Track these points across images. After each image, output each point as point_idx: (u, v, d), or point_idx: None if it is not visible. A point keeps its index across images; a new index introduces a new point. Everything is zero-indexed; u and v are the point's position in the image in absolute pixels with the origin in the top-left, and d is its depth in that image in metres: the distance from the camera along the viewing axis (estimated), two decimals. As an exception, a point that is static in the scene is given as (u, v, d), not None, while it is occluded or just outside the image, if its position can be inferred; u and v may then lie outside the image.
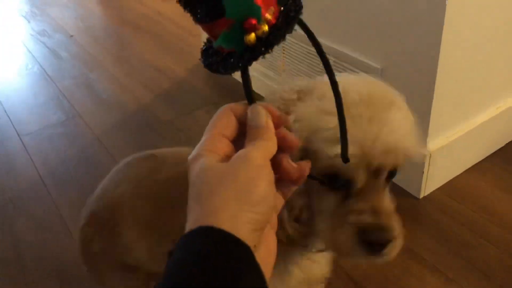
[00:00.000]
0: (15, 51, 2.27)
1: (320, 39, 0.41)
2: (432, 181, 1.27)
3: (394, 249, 0.55)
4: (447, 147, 1.25)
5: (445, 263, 1.10)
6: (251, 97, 0.41)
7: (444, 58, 1.09)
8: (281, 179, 0.41)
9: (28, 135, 1.66)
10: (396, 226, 0.55)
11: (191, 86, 1.91)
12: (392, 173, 0.56)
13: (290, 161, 0.41)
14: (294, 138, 0.41)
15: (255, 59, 0.38)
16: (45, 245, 1.23)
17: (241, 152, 0.37)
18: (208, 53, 0.40)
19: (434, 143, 1.23)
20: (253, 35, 0.37)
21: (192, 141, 1.18)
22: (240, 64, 0.38)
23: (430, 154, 1.21)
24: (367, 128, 0.50)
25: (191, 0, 0.37)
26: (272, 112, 0.41)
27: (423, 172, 1.22)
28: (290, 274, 0.71)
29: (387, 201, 0.56)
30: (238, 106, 0.41)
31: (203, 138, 0.39)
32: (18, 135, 1.66)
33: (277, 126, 0.41)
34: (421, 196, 1.28)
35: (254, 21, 0.37)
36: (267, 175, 0.37)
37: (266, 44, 0.37)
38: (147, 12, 2.59)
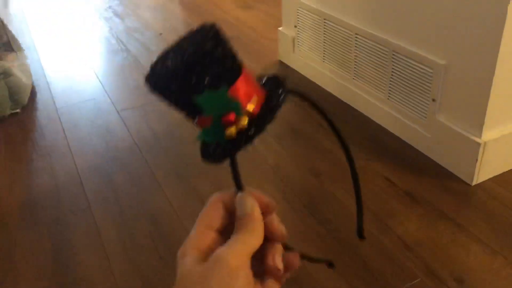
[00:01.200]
0: (112, 44, 2.59)
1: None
2: (485, 170, 1.38)
3: None
4: (502, 140, 1.36)
5: (492, 238, 1.22)
6: (240, 184, 0.41)
7: (503, 54, 1.22)
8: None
9: (124, 110, 1.92)
10: None
11: (265, 81, 2.12)
12: None
13: (275, 258, 0.40)
14: (281, 228, 0.41)
15: (238, 150, 0.38)
16: (138, 194, 1.45)
17: (217, 252, 0.36)
18: (203, 145, 0.40)
19: (489, 134, 1.35)
20: (233, 129, 0.37)
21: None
22: (225, 156, 0.38)
23: (485, 143, 1.33)
24: None
25: (177, 103, 0.38)
26: (260, 199, 0.41)
27: (476, 159, 1.35)
28: None
29: None
30: (226, 195, 0.41)
31: (191, 232, 0.39)
32: (117, 110, 1.93)
33: (264, 213, 0.40)
34: (474, 183, 1.39)
35: (232, 117, 0.36)
36: (242, 279, 0.35)
37: (247, 138, 0.37)
38: (227, 18, 2.85)
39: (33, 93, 2.07)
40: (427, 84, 1.45)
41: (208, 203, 0.41)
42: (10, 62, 1.99)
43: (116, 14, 3.04)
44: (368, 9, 1.63)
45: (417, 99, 1.52)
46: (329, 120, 0.47)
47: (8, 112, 1.89)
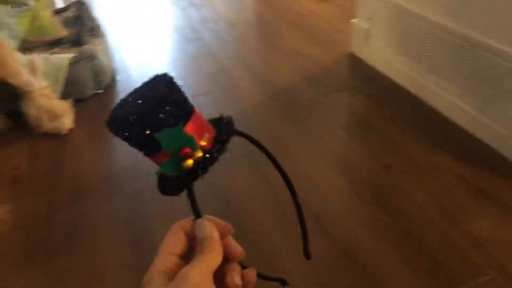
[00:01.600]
0: (187, 33, 2.69)
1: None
2: None
3: None
4: None
5: None
6: (198, 212, 0.45)
7: None
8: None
9: (197, 96, 2.00)
10: None
11: (336, 73, 2.12)
12: None
13: (233, 276, 0.43)
14: (237, 248, 0.45)
15: (195, 180, 0.42)
16: (210, 174, 1.51)
17: (181, 272, 0.39)
18: (161, 179, 0.43)
19: None
20: (190, 161, 0.41)
21: (333, 119, 1.41)
22: (184, 186, 0.43)
23: None
24: None
25: (138, 142, 0.41)
26: (217, 223, 0.45)
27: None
28: None
29: None
30: (186, 223, 0.45)
31: (155, 258, 0.41)
32: (191, 96, 2.00)
33: (222, 236, 0.44)
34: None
35: (187, 150, 0.41)
36: None
37: (202, 167, 0.42)
38: (299, 10, 2.87)
39: (114, 76, 2.20)
40: (506, 79, 1.40)
41: (169, 231, 0.44)
42: (95, 46, 2.13)
43: (192, 4, 3.14)
44: (447, 2, 1.60)
45: (493, 95, 1.47)
46: (272, 158, 0.52)
47: (92, 92, 2.03)
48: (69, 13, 2.45)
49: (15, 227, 1.35)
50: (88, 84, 2.01)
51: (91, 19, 2.40)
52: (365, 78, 2.04)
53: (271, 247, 1.24)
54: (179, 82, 0.41)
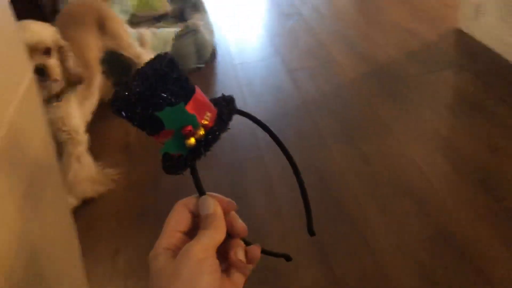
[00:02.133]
0: (285, 8, 2.68)
1: None
2: None
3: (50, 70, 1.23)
4: None
5: None
6: (201, 189, 0.44)
7: None
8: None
9: (294, 71, 2.01)
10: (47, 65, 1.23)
11: (440, 49, 2.01)
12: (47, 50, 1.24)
13: (237, 252, 0.44)
14: (241, 225, 0.45)
15: (198, 158, 0.42)
16: (305, 149, 1.53)
17: (184, 248, 0.40)
18: (165, 159, 0.44)
19: None
20: (192, 139, 0.41)
21: (437, 97, 1.34)
22: (187, 164, 0.42)
23: None
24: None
25: (141, 122, 0.42)
26: (220, 200, 0.44)
27: None
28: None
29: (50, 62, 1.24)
30: (190, 200, 0.44)
31: (160, 235, 0.42)
32: (288, 71, 2.02)
33: (226, 212, 0.44)
34: None
35: (190, 128, 0.41)
36: (210, 267, 0.39)
37: (205, 145, 0.41)
38: (402, -17, 2.74)
39: (214, 51, 2.27)
40: None
41: (173, 209, 0.44)
42: (198, 21, 2.20)
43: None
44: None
45: None
46: (274, 136, 0.51)
47: (193, 66, 2.11)
48: (173, -11, 2.56)
49: (127, 189, 1.47)
50: (191, 58, 2.09)
51: (194, -6, 2.48)
52: (473, 56, 1.91)
53: (366, 225, 1.24)
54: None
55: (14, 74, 0.71)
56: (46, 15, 2.04)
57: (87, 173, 1.42)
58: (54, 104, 1.35)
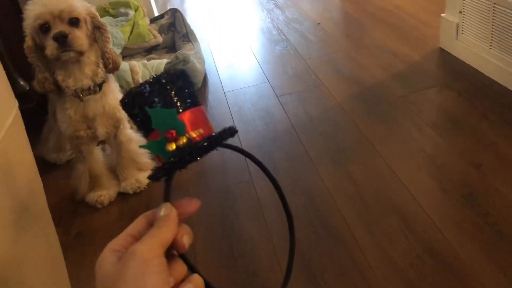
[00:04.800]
0: (273, 34, 2.75)
1: None
2: None
3: (73, 39, 1.23)
4: None
5: None
6: (166, 197, 0.44)
7: None
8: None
9: (283, 96, 2.05)
10: (71, 33, 1.23)
11: (424, 69, 2.07)
12: (75, 20, 1.24)
13: (183, 235, 0.42)
14: (182, 242, 0.42)
15: (175, 167, 0.42)
16: (294, 172, 1.56)
17: (130, 248, 0.38)
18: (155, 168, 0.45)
19: None
20: (173, 145, 0.42)
21: (421, 116, 1.39)
22: (165, 170, 0.42)
23: None
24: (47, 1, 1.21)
25: (141, 120, 0.44)
26: (181, 204, 0.43)
27: None
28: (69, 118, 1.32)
29: (74, 31, 1.24)
30: (151, 213, 0.44)
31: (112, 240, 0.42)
32: (276, 96, 2.07)
33: (182, 214, 0.43)
34: None
35: (173, 133, 0.42)
36: (157, 267, 0.38)
37: (183, 153, 0.41)
38: (386, 6, 2.82)
39: (205, 78, 2.32)
40: None
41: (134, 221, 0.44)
42: (188, 51, 2.26)
43: (277, 5, 3.21)
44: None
45: None
46: (265, 171, 0.49)
47: (185, 94, 2.16)
48: (164, 21, 2.63)
49: (118, 219, 1.50)
50: (181, 87, 2.14)
51: (184, 25, 2.55)
52: (455, 74, 1.97)
53: (354, 245, 1.26)
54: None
55: (3, 105, 0.74)
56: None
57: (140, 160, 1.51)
58: (98, 94, 1.35)
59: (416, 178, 1.44)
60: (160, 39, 2.53)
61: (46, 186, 0.90)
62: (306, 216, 1.37)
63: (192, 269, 0.43)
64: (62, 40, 1.21)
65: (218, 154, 1.71)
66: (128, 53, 2.48)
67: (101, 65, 1.35)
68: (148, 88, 0.43)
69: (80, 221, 1.52)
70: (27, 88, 1.61)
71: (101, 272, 0.39)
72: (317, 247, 1.27)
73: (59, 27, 1.22)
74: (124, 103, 0.44)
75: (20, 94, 0.84)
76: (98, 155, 1.54)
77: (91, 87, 1.34)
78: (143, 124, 0.44)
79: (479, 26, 1.89)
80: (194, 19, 3.19)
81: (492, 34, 1.81)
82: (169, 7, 2.84)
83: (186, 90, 0.45)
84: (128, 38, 2.43)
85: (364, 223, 1.32)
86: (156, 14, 2.90)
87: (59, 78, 1.32)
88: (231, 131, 0.45)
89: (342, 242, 1.28)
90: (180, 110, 0.43)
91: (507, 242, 1.17)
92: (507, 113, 1.66)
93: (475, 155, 1.49)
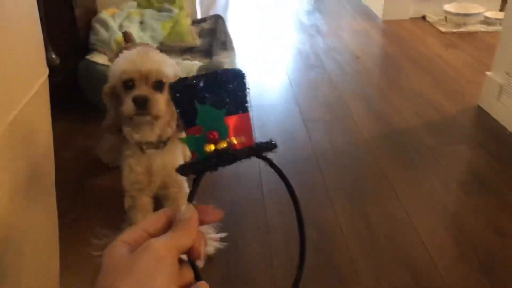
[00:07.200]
0: (310, 59, 2.72)
1: None
2: None
3: (153, 105, 1.11)
4: None
5: None
6: (191, 198, 0.43)
7: None
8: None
9: (309, 121, 2.00)
10: (152, 98, 1.11)
11: (458, 123, 2.00)
12: (159, 84, 1.14)
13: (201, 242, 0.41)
14: (198, 249, 0.40)
15: (207, 170, 0.42)
16: (309, 199, 1.50)
17: (145, 242, 0.37)
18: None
19: None
20: (212, 146, 0.41)
21: (448, 171, 1.31)
22: (196, 168, 0.42)
23: None
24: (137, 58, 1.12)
25: (184, 110, 0.43)
26: (204, 210, 0.42)
27: None
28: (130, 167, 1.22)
29: (156, 96, 1.13)
30: (173, 211, 0.42)
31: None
32: (303, 120, 2.02)
33: (203, 222, 0.42)
34: None
35: (215, 134, 0.41)
36: (169, 267, 0.36)
37: (219, 158, 0.41)
38: (428, 53, 2.77)
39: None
40: None
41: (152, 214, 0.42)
42: (223, 59, 2.24)
43: (319, 32, 3.18)
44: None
45: None
46: (292, 193, 0.47)
47: (211, 100, 2.12)
48: (205, 25, 2.62)
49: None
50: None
51: (224, 33, 2.53)
52: (490, 134, 1.90)
53: (355, 285, 1.19)
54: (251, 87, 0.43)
55: (33, 69, 0.72)
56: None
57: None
58: (161, 149, 1.25)
59: (434, 233, 1.37)
60: (198, 41, 2.51)
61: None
62: (311, 246, 1.30)
63: (197, 278, 0.41)
64: (142, 104, 1.12)
65: (233, 165, 1.66)
66: (164, 49, 2.46)
67: (172, 124, 1.25)
68: (202, 84, 0.42)
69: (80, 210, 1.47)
70: (58, 62, 1.59)
71: (110, 261, 0.36)
72: (317, 280, 1.20)
73: (142, 89, 1.13)
74: (173, 89, 0.43)
75: (49, 66, 0.81)
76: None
77: (156, 142, 1.24)
78: (185, 115, 0.43)
79: (524, 91, 1.82)
80: (234, 28, 3.18)
81: (536, 101, 1.75)
82: (212, 13, 2.83)
83: (239, 93, 0.43)
84: (168, 34, 2.42)
85: (372, 270, 1.25)
86: (199, 17, 2.89)
87: (126, 129, 1.23)
88: (271, 146, 0.44)
89: (343, 279, 1.21)
90: (228, 113, 0.42)
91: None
92: (539, 185, 1.59)
93: (500, 223, 1.41)
